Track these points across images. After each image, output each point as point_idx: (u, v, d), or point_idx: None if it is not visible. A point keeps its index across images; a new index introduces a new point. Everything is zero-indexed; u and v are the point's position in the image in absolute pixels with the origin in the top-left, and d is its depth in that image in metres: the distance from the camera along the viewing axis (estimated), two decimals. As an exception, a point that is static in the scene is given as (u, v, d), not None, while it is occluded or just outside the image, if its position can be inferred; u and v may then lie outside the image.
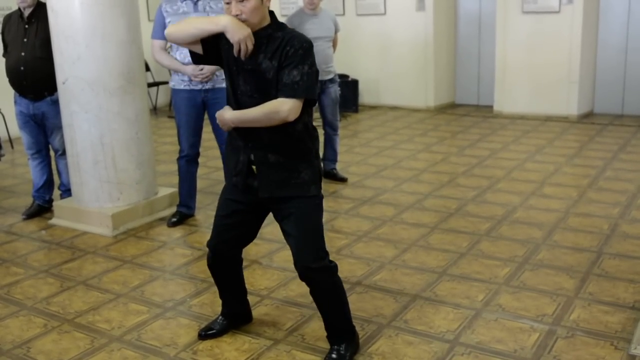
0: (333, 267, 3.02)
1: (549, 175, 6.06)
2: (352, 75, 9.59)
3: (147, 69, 9.30)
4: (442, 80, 9.64)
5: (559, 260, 4.17)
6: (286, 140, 2.87)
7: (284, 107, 2.74)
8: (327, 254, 3.01)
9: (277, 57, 2.76)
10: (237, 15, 2.75)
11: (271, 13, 2.86)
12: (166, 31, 2.95)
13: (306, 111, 2.88)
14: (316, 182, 2.97)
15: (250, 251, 4.08)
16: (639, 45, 8.45)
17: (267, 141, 2.88)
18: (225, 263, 3.22)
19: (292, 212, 2.94)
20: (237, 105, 2.89)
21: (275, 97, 2.77)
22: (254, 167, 2.94)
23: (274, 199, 2.96)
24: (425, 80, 9.49)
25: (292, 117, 2.77)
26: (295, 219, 2.94)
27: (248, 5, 2.73)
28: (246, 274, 3.53)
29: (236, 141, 2.98)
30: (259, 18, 2.79)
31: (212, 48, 2.90)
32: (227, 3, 2.78)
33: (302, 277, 3.00)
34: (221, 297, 3.39)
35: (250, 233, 3.18)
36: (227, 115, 2.88)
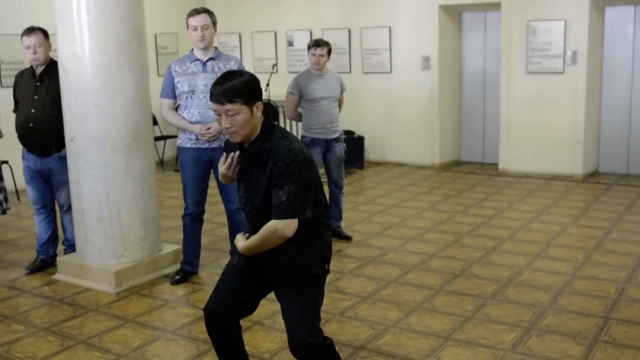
0: (329, 345, 2.94)
1: (554, 236, 6.03)
2: (358, 131, 9.66)
3: (155, 122, 9.40)
4: (447, 138, 9.71)
5: (566, 325, 4.11)
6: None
7: (278, 226, 2.76)
8: (322, 332, 2.93)
9: (266, 171, 2.80)
10: (227, 127, 2.77)
11: (263, 120, 2.87)
12: None
13: (313, 212, 2.84)
14: (317, 262, 2.94)
15: (254, 312, 4.03)
16: (643, 106, 8.53)
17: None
18: (222, 330, 3.11)
19: (289, 289, 2.92)
20: (244, 213, 3.00)
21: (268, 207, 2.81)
22: None
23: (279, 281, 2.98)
24: (431, 137, 9.56)
25: (290, 233, 2.77)
26: (291, 295, 2.91)
27: (238, 119, 2.75)
28: (248, 335, 3.49)
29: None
30: (249, 130, 2.80)
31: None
32: (219, 115, 2.80)
33: (296, 353, 2.89)
34: None
35: (249, 304, 3.09)
36: (239, 245, 2.92)
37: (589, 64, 8.33)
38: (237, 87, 2.74)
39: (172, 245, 5.44)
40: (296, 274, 2.91)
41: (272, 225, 2.77)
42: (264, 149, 2.81)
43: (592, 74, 8.46)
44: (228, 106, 2.73)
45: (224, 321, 3.06)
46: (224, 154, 2.98)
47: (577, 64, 8.34)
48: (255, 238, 2.86)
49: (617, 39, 8.63)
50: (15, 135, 5.24)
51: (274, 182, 2.76)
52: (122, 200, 4.91)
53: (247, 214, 3.00)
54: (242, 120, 2.75)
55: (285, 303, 2.94)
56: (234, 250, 3.07)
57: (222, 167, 2.93)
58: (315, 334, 2.88)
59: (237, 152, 2.90)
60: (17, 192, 7.88)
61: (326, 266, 3.00)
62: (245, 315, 3.14)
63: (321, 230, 2.96)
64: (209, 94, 4.74)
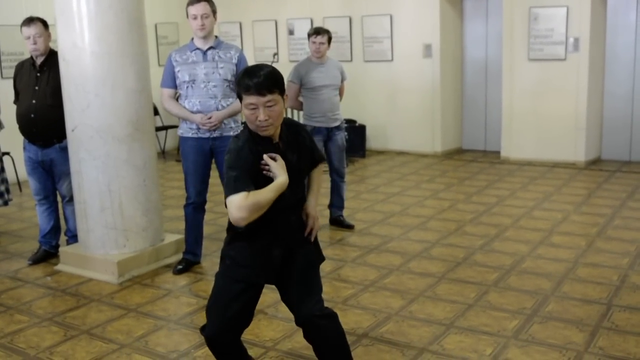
0: (336, 315, 3.01)
1: (557, 223, 6.02)
2: (360, 120, 9.64)
3: (156, 113, 9.39)
4: (449, 126, 9.68)
5: (568, 312, 4.11)
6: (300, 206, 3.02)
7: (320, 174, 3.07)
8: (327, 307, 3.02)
9: (301, 150, 2.95)
10: (265, 120, 2.70)
11: None
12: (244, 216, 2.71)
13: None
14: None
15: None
16: (645, 93, 8.50)
17: (295, 223, 2.99)
18: (226, 350, 3.04)
19: (300, 260, 2.98)
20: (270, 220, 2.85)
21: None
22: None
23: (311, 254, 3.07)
24: (433, 125, 9.54)
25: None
26: (313, 274, 2.99)
27: (276, 109, 2.72)
28: (251, 324, 3.47)
29: (262, 239, 2.89)
30: (281, 119, 2.83)
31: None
32: (254, 108, 2.70)
33: (308, 327, 2.93)
34: None
35: (249, 317, 3.05)
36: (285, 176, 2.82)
37: (591, 51, 8.30)
38: (273, 75, 2.73)
39: (174, 235, 5.44)
40: (318, 262, 3.07)
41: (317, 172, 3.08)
42: (288, 131, 2.91)
43: (595, 61, 8.43)
44: (269, 97, 2.69)
45: (226, 344, 3.01)
46: (266, 158, 2.78)
47: (579, 51, 8.30)
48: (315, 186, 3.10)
49: (620, 25, 8.58)
50: (16, 126, 5.23)
51: (310, 150, 3.02)
52: (124, 191, 4.91)
53: (279, 215, 2.85)
54: (279, 110, 2.74)
55: (292, 288, 2.98)
56: (226, 251, 2.97)
57: (277, 171, 2.77)
58: (322, 307, 2.96)
59: (273, 154, 2.80)
60: (18, 183, 7.88)
61: None
62: (245, 327, 3.08)
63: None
64: (209, 83, 4.78)
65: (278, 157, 2.79)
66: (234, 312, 2.93)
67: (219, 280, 2.99)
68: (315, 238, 3.06)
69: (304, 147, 2.96)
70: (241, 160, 2.74)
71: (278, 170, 2.76)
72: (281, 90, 2.75)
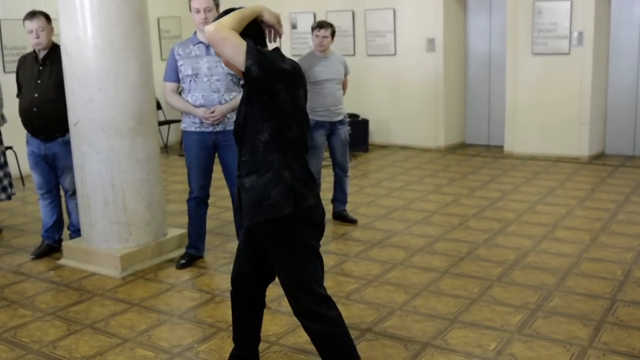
0: (331, 317, 2.90)
1: (560, 218, 6.00)
2: (363, 115, 9.62)
3: (159, 107, 9.38)
4: (452, 121, 9.66)
5: (572, 307, 4.10)
6: (255, 156, 2.82)
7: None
8: (321, 299, 2.89)
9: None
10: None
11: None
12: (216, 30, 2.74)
13: (274, 118, 2.80)
14: (290, 199, 2.78)
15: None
16: (649, 87, 8.47)
17: (244, 164, 2.87)
18: (247, 302, 3.17)
19: (272, 250, 2.91)
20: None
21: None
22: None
23: (259, 231, 2.90)
24: (436, 120, 9.51)
25: (218, 34, 2.71)
26: (276, 260, 2.92)
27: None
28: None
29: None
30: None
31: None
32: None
33: (301, 322, 2.97)
34: (234, 339, 3.31)
35: (265, 269, 3.10)
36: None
37: (595, 45, 8.26)
38: None
39: (177, 230, 5.43)
40: (265, 214, 2.79)
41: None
42: None
43: (598, 55, 8.39)
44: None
45: (246, 290, 3.13)
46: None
47: (583, 45, 8.27)
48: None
49: (624, 19, 8.54)
50: (19, 120, 5.22)
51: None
52: (127, 185, 4.90)
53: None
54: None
55: (276, 269, 2.99)
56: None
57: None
58: (307, 308, 2.87)
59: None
60: (21, 177, 7.88)
61: (298, 203, 2.81)
62: (267, 282, 3.18)
63: (288, 156, 2.83)
64: (212, 77, 4.77)
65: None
66: (243, 260, 3.09)
67: None
68: (279, 189, 2.78)
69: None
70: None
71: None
72: None
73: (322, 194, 3.26)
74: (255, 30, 2.85)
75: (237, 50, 2.68)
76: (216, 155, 4.97)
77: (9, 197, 5.94)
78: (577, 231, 5.62)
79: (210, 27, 2.72)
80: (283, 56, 2.90)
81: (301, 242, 2.88)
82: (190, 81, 4.83)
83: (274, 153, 2.81)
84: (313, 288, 2.90)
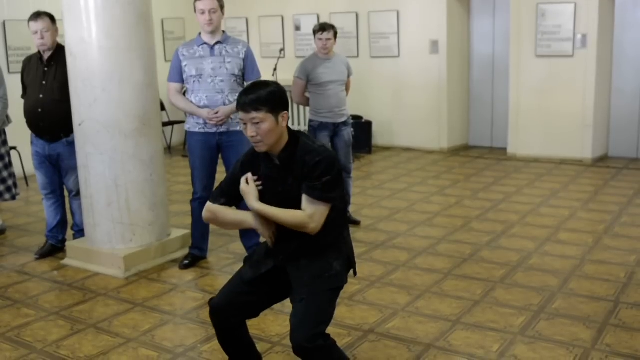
0: (330, 346, 2.88)
1: (564, 220, 6.00)
2: (366, 116, 9.63)
3: (163, 108, 9.39)
4: (455, 122, 9.66)
5: (575, 309, 4.10)
6: (317, 248, 2.92)
7: (308, 211, 2.79)
8: (322, 336, 2.86)
9: (299, 173, 2.82)
10: (252, 136, 2.78)
11: (288, 129, 2.89)
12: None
13: (338, 222, 2.93)
14: (346, 271, 3.00)
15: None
16: (653, 90, 8.46)
17: (299, 253, 2.93)
18: (225, 326, 3.06)
19: (309, 296, 2.88)
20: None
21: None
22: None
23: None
24: (439, 122, 9.51)
25: (318, 219, 2.80)
26: (307, 302, 2.87)
27: (263, 127, 2.76)
28: (257, 319, 3.48)
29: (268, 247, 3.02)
30: (276, 138, 2.81)
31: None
32: (244, 124, 2.80)
33: (296, 353, 2.87)
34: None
35: (256, 308, 3.10)
36: (256, 205, 2.86)
37: (599, 47, 8.26)
38: (265, 95, 2.77)
39: (181, 230, 5.44)
40: (328, 284, 2.92)
41: (304, 216, 2.80)
42: (295, 154, 2.84)
43: (602, 58, 8.38)
44: (253, 114, 2.75)
45: (226, 319, 3.03)
46: (243, 179, 2.91)
47: (587, 47, 8.26)
48: (279, 210, 2.83)
49: (628, 21, 8.53)
50: (24, 121, 5.24)
51: (307, 179, 2.80)
52: (131, 185, 4.91)
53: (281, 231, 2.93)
54: (267, 128, 2.76)
55: (297, 308, 2.90)
56: (250, 256, 3.14)
57: (245, 196, 2.88)
58: (314, 339, 2.81)
59: (249, 174, 2.89)
60: (25, 177, 7.90)
61: (353, 270, 3.09)
62: (249, 317, 3.14)
63: (344, 232, 3.03)
64: (216, 78, 4.78)
65: (251, 179, 2.88)
66: (237, 294, 3.02)
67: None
68: (340, 261, 2.97)
69: (301, 175, 2.84)
70: (233, 171, 3.02)
71: (245, 195, 2.89)
72: (273, 109, 2.77)
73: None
74: None
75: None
76: (220, 155, 4.98)
77: (13, 198, 5.95)
78: (580, 233, 5.62)
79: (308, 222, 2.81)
80: None
81: (340, 289, 3.03)
82: (194, 82, 4.85)
83: (336, 228, 2.95)
84: (326, 323, 2.94)
